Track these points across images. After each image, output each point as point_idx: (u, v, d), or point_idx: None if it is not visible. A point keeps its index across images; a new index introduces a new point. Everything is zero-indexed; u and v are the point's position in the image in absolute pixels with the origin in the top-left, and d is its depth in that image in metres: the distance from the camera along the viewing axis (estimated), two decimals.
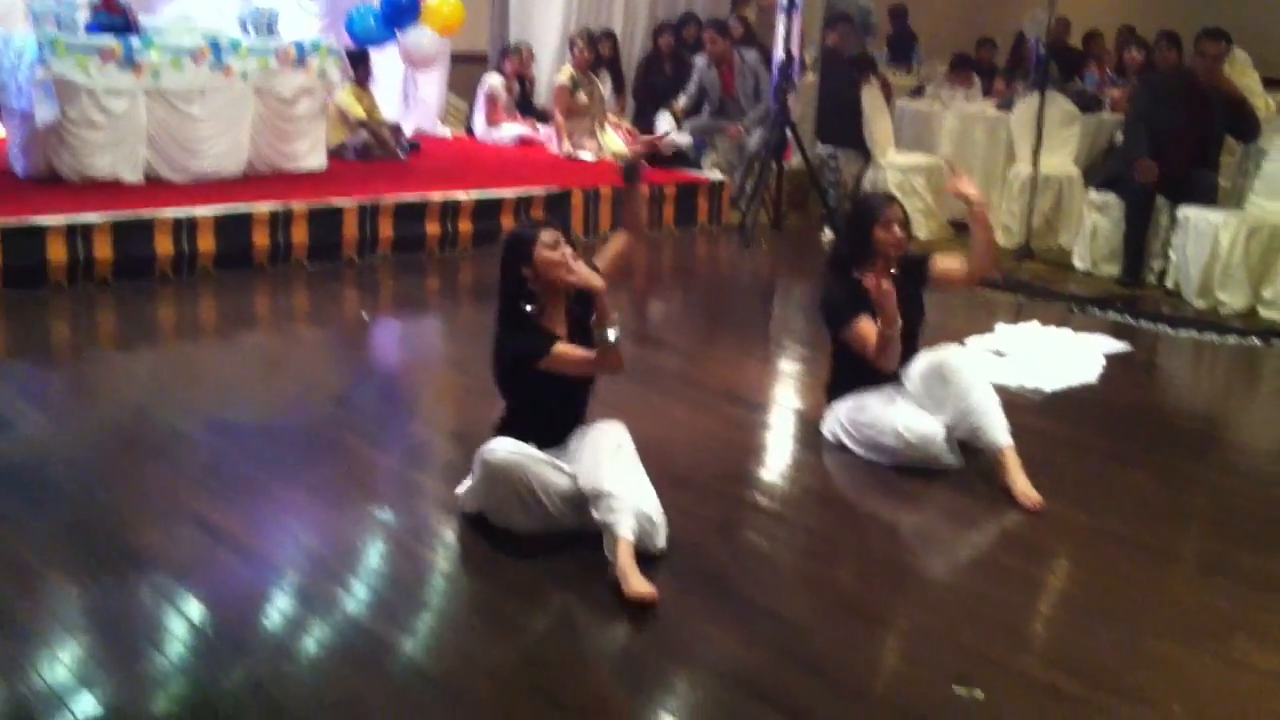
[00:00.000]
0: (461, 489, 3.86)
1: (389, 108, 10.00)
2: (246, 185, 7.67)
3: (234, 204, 6.99)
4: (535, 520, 3.68)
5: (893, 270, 4.53)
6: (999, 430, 4.32)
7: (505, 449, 3.66)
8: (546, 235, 3.76)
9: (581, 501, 3.60)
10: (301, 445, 4.56)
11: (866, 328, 4.39)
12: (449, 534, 3.82)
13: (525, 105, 10.84)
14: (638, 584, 3.36)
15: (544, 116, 10.69)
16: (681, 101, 9.61)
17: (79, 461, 4.28)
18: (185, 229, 6.72)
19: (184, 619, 3.23)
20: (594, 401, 3.95)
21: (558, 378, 3.79)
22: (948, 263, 4.72)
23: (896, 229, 4.49)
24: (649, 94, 10.84)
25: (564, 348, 3.75)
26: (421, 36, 9.41)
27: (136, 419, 4.80)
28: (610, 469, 3.57)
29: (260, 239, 6.98)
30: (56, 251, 6.34)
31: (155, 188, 7.46)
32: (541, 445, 3.77)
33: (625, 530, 3.46)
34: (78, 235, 6.40)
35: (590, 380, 3.93)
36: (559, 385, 3.82)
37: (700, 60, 9.71)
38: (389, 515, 3.95)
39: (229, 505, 3.94)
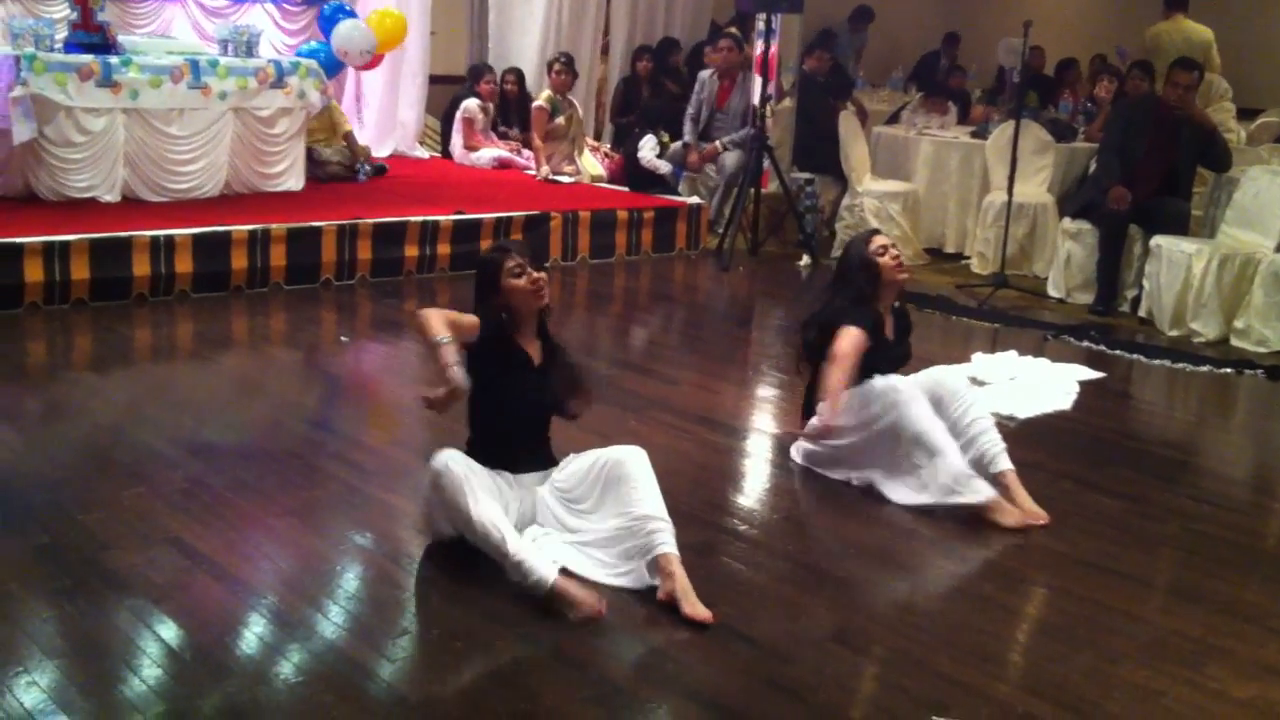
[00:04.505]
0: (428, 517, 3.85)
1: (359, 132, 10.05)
2: (224, 206, 7.66)
3: (212, 225, 6.97)
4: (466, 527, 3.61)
5: (896, 304, 4.65)
6: (1000, 453, 4.42)
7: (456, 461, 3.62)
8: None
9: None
10: (279, 468, 4.55)
11: (851, 343, 4.42)
12: (427, 558, 3.81)
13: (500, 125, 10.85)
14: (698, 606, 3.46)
15: (506, 135, 10.72)
16: (690, 111, 9.64)
17: (54, 483, 4.26)
18: (163, 250, 6.69)
19: (161, 643, 3.21)
20: (579, 430, 3.96)
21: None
22: None
23: (892, 251, 4.62)
24: (628, 117, 10.90)
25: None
26: (353, 30, 9.11)
27: (113, 440, 4.78)
28: (650, 493, 3.65)
29: (238, 260, 6.95)
30: (33, 271, 6.31)
31: (133, 208, 7.44)
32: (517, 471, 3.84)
33: (673, 548, 3.56)
34: (55, 255, 6.36)
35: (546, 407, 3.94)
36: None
37: (705, 72, 9.75)
38: (367, 539, 3.94)
39: (206, 528, 3.92)
